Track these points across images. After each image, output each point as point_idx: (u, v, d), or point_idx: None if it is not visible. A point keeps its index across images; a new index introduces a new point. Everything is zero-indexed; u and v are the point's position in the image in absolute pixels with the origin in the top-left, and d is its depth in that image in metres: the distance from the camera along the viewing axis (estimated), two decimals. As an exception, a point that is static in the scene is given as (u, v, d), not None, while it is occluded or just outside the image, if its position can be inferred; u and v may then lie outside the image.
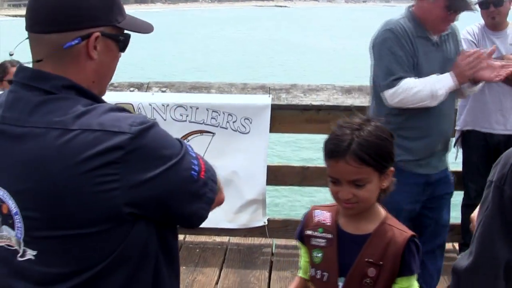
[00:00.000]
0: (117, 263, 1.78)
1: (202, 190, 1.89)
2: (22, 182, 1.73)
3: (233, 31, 71.30)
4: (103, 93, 1.98)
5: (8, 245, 1.82)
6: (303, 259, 2.75)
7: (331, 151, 2.48)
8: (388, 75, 4.08)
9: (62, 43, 1.81)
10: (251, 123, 5.56)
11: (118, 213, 1.71)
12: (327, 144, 2.52)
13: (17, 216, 1.76)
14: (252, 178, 5.71)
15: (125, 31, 1.96)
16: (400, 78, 4.03)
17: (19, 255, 1.79)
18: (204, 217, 1.94)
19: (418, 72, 4.12)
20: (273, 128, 5.68)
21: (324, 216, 2.66)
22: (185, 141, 1.93)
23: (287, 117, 5.74)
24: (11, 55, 2.05)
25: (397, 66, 4.08)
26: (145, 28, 2.04)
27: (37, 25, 1.83)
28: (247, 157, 5.65)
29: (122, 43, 1.94)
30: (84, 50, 1.84)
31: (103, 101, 1.88)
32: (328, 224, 2.62)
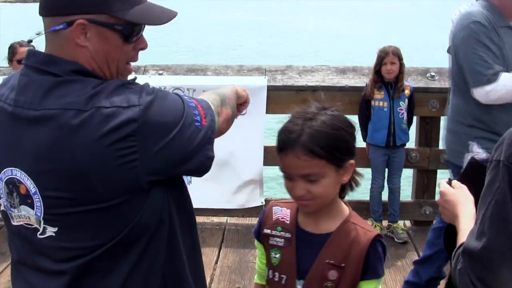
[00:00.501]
0: (136, 231, 1.86)
1: (208, 134, 1.95)
2: (42, 163, 1.79)
3: (222, 14, 70.76)
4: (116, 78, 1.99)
5: (27, 224, 1.89)
6: (259, 261, 2.55)
7: (280, 143, 2.28)
8: (487, 69, 3.84)
9: (50, 27, 1.88)
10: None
11: (138, 183, 1.79)
12: (278, 136, 2.31)
13: (36, 196, 1.82)
14: (249, 159, 5.77)
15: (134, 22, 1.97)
16: (497, 73, 3.82)
17: (39, 232, 1.87)
18: (212, 157, 1.99)
19: (506, 64, 3.88)
20: (269, 109, 5.74)
21: (284, 213, 2.43)
22: (180, 91, 2.00)
23: (282, 98, 5.77)
24: (29, 41, 2.11)
25: (493, 59, 3.85)
26: (155, 19, 2.01)
27: (39, 8, 1.91)
28: (244, 138, 5.67)
29: (123, 33, 1.93)
30: (71, 36, 1.86)
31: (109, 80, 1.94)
32: (287, 222, 2.40)
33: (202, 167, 1.97)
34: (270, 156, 5.81)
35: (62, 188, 1.78)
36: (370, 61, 5.75)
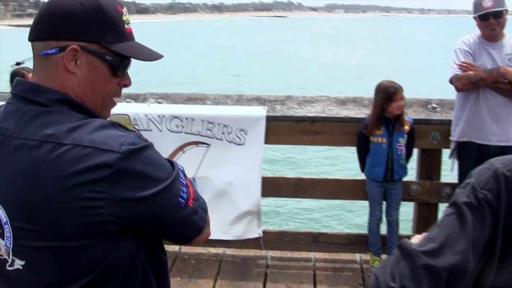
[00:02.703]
0: (104, 275, 1.79)
1: (191, 218, 1.88)
2: (13, 192, 1.75)
3: (231, 41, 71.38)
4: (98, 111, 1.95)
5: None
6: None
7: None
8: None
9: (41, 51, 1.85)
10: (246, 134, 5.56)
11: (104, 228, 1.73)
12: None
13: (6, 225, 1.78)
14: (247, 189, 5.69)
15: (124, 56, 1.95)
16: None
17: (8, 264, 1.82)
18: (188, 242, 1.94)
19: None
20: (268, 139, 5.68)
21: None
22: (179, 165, 1.92)
23: (282, 128, 5.74)
24: (18, 64, 2.06)
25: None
26: (144, 55, 2.01)
27: (31, 32, 1.88)
28: (242, 168, 5.63)
29: (112, 65, 1.91)
30: (62, 61, 1.85)
31: (96, 116, 1.89)
32: None
33: (176, 240, 1.95)
34: (268, 187, 5.76)
35: (30, 220, 1.74)
36: (369, 92, 5.71)
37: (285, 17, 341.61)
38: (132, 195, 1.73)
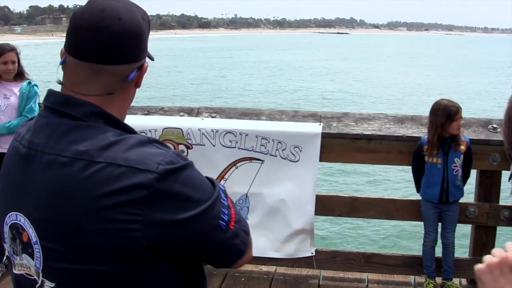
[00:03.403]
0: None
1: (232, 242, 1.79)
2: (44, 210, 1.69)
3: (291, 57, 71.46)
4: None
5: (28, 274, 1.79)
6: None
7: None
8: None
9: (126, 74, 1.81)
10: (300, 151, 5.48)
11: (139, 252, 1.65)
12: None
13: (36, 245, 1.72)
14: (300, 207, 5.59)
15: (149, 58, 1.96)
16: None
17: (37, 285, 1.76)
18: (228, 266, 1.86)
19: None
20: (323, 157, 5.58)
21: None
22: (221, 184, 1.84)
23: (337, 146, 5.63)
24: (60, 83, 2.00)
25: None
26: (151, 55, 2.01)
27: (106, 56, 1.76)
28: (295, 186, 5.55)
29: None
30: (134, 80, 1.85)
31: (133, 131, 1.82)
32: None
33: (216, 264, 1.85)
34: (322, 205, 5.67)
35: (60, 241, 1.67)
36: (426, 110, 5.58)
37: (347, 33, 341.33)
38: (170, 218, 1.65)
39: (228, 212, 1.78)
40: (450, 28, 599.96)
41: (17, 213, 1.76)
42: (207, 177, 1.81)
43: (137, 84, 1.87)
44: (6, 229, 1.81)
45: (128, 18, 1.78)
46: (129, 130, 1.81)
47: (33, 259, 1.74)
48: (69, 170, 1.66)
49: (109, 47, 1.75)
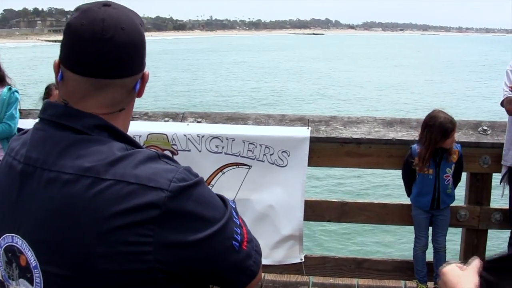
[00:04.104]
0: None
1: (245, 263, 1.68)
2: (45, 232, 1.56)
3: (270, 60, 71.64)
4: None
5: None
6: None
7: None
8: None
9: (132, 86, 1.72)
10: (289, 156, 5.40)
11: (150, 276, 1.53)
12: None
13: (36, 270, 1.59)
14: (289, 212, 5.52)
15: None
16: None
17: None
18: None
19: None
20: (312, 162, 5.51)
21: None
22: (231, 201, 1.73)
23: (326, 150, 5.55)
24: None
25: None
26: None
27: (113, 69, 1.65)
28: (284, 191, 5.47)
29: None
30: (136, 90, 1.75)
31: (139, 145, 1.71)
32: None
33: (227, 286, 1.72)
34: (311, 211, 5.59)
35: (64, 265, 1.54)
36: (418, 113, 5.52)
37: (322, 34, 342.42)
38: (183, 239, 1.53)
39: (240, 231, 1.68)
40: (425, 28, 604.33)
41: (14, 235, 1.62)
42: (217, 194, 1.71)
43: (140, 93, 1.77)
44: (0, 252, 1.68)
45: (130, 26, 1.67)
46: (135, 144, 1.70)
47: (32, 284, 1.61)
48: (74, 188, 1.53)
49: (115, 60, 1.64)
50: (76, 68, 1.64)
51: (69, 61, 1.66)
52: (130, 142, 1.68)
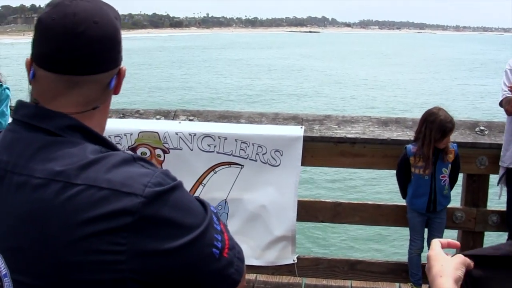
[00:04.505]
0: None
1: (226, 271, 1.57)
2: (15, 239, 1.46)
3: (265, 57, 71.70)
4: None
5: None
6: None
7: None
8: None
9: (107, 82, 1.63)
10: (282, 155, 5.31)
11: (123, 287, 1.43)
12: None
13: (6, 279, 1.49)
14: (281, 213, 5.43)
15: None
16: None
17: None
18: None
19: None
20: (305, 161, 5.42)
21: None
22: (212, 206, 1.62)
23: (320, 150, 5.45)
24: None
25: None
26: None
27: (86, 65, 1.57)
28: (277, 191, 5.39)
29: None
30: (114, 86, 1.67)
31: (114, 147, 1.61)
32: None
33: None
34: (304, 211, 5.50)
35: (34, 274, 1.43)
36: (413, 113, 5.43)
37: (319, 32, 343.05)
38: (159, 247, 1.43)
39: (221, 238, 1.57)
40: (422, 26, 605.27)
41: None
42: (197, 198, 1.60)
43: (116, 90, 1.69)
44: None
45: (103, 20, 1.58)
46: (110, 145, 1.60)
47: None
48: (43, 194, 1.43)
49: (88, 55, 1.55)
50: (47, 65, 1.55)
51: (40, 58, 1.57)
52: (105, 144, 1.59)
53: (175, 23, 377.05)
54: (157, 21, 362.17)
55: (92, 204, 1.40)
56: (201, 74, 49.06)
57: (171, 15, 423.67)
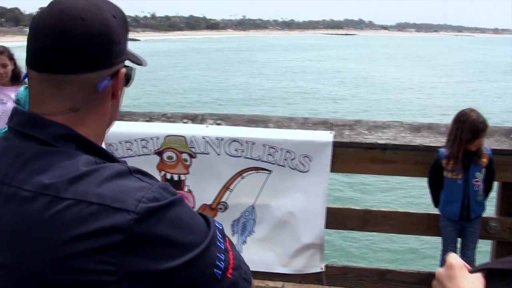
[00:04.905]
0: None
1: None
2: (3, 254, 1.36)
3: (301, 59, 71.61)
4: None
5: None
6: None
7: None
8: None
9: (95, 84, 1.51)
10: (310, 161, 5.19)
11: None
12: None
13: None
14: (310, 220, 5.33)
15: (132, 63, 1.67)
16: None
17: None
18: None
19: None
20: (334, 167, 5.29)
21: None
22: (217, 222, 1.50)
23: (349, 156, 5.33)
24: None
25: None
26: (139, 59, 1.71)
27: (68, 63, 1.47)
28: (305, 198, 5.28)
29: (129, 77, 1.63)
30: (110, 90, 1.56)
31: (113, 158, 1.51)
32: None
33: None
34: (333, 219, 5.38)
35: None
36: (449, 116, 5.29)
37: (355, 34, 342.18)
38: (153, 268, 1.31)
39: (225, 257, 1.45)
40: (459, 29, 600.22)
41: None
42: (201, 214, 1.48)
43: (114, 95, 1.57)
44: None
45: (92, 16, 1.48)
46: (107, 156, 1.50)
47: None
48: (31, 208, 1.33)
49: (70, 52, 1.46)
50: (34, 65, 1.49)
51: (29, 58, 1.51)
52: (101, 154, 1.48)
53: (212, 25, 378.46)
54: (193, 23, 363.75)
55: (80, 220, 1.29)
56: (234, 76, 49.11)
57: (207, 17, 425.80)
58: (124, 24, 1.58)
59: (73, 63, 1.46)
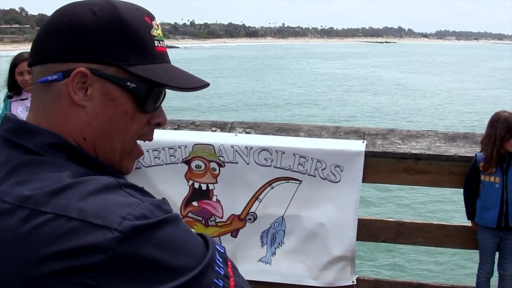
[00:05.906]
0: None
1: None
2: None
3: (339, 67, 71.45)
4: (117, 162, 1.46)
5: None
6: None
7: None
8: None
9: (40, 77, 1.39)
10: (342, 171, 5.07)
11: None
12: None
13: None
14: (341, 231, 5.20)
15: (153, 82, 1.43)
16: None
17: None
18: None
19: None
20: (367, 178, 5.18)
21: None
22: (219, 245, 1.34)
23: (382, 166, 5.21)
24: (10, 97, 1.61)
25: None
26: (181, 81, 1.47)
27: (30, 56, 1.42)
28: (336, 209, 5.16)
29: (137, 95, 1.41)
30: (66, 91, 1.38)
31: (106, 171, 1.38)
32: None
33: None
34: (365, 230, 5.26)
35: None
36: (481, 127, 5.16)
37: (395, 42, 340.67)
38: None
39: (223, 284, 1.27)
40: (499, 37, 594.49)
41: None
42: (201, 235, 1.32)
43: (73, 100, 1.38)
44: None
45: (62, 9, 1.40)
46: (99, 167, 1.38)
47: None
48: (8, 222, 1.21)
49: (34, 44, 1.41)
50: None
51: None
52: (93, 165, 1.37)
53: (251, 32, 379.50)
54: (232, 31, 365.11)
55: (57, 237, 1.16)
56: (271, 83, 49.07)
57: (246, 25, 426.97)
58: (111, 20, 1.40)
59: (32, 54, 1.41)
